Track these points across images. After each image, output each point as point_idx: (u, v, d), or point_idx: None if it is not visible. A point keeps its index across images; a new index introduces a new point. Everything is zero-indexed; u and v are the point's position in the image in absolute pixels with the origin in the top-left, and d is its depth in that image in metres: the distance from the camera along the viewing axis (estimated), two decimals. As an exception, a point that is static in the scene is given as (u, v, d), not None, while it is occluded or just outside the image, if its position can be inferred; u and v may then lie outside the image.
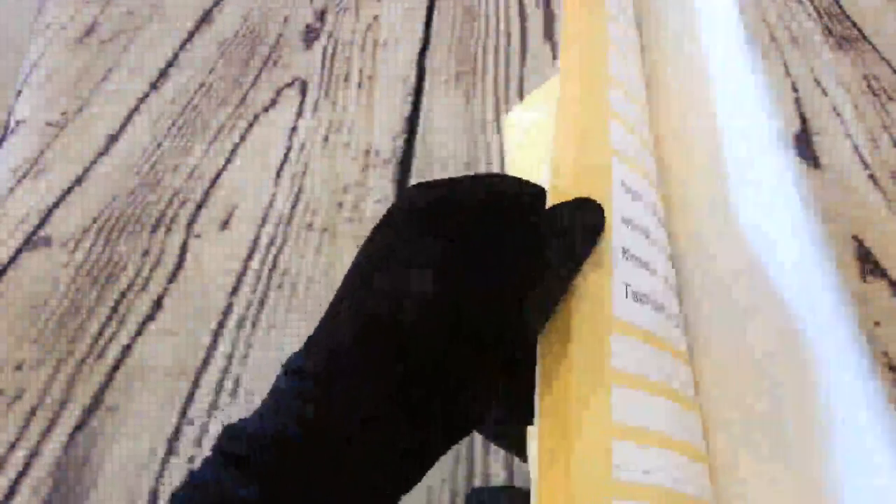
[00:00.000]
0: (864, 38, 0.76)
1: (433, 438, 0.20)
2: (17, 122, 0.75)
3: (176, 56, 0.82)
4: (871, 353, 0.25)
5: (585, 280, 0.22)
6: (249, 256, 0.62)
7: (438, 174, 0.67)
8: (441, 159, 0.68)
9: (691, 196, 0.30)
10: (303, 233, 0.63)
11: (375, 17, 0.85)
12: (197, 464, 0.19)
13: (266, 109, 0.75)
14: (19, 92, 0.79)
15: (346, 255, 0.61)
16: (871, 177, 0.62)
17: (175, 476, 0.49)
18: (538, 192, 0.24)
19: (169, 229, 0.64)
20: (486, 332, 0.21)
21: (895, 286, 0.55)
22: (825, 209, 0.59)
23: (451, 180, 0.24)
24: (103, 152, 0.72)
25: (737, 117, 0.31)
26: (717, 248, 0.28)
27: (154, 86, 0.78)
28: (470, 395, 0.20)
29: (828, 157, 0.63)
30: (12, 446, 0.51)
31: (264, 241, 0.63)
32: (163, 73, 0.80)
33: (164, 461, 0.49)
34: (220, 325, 0.57)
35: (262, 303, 0.58)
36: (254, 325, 0.57)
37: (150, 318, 0.58)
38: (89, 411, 0.52)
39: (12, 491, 0.48)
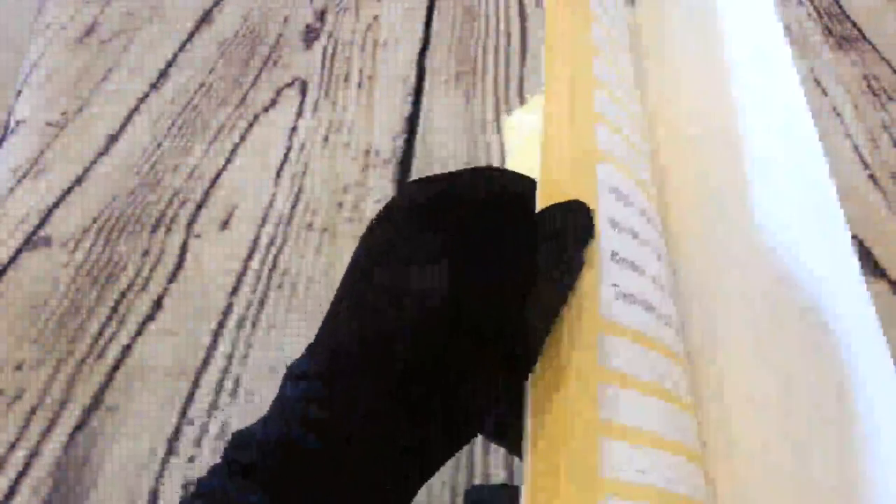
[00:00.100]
0: (864, 38, 0.76)
1: (433, 436, 0.20)
2: (17, 122, 0.75)
3: (176, 56, 0.82)
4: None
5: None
6: (249, 256, 0.62)
7: (438, 174, 0.67)
8: (441, 159, 0.68)
9: (704, 201, 0.30)
10: (303, 233, 0.63)
11: (375, 17, 0.85)
12: (197, 464, 0.19)
13: (266, 109, 0.75)
14: (19, 92, 0.79)
15: (346, 255, 0.61)
16: (871, 177, 0.62)
17: (175, 476, 0.49)
18: (534, 186, 0.24)
19: (169, 229, 0.64)
20: (487, 326, 0.21)
21: (895, 286, 0.55)
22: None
23: (450, 175, 0.24)
24: (103, 152, 0.72)
25: (763, 117, 0.30)
26: (738, 252, 0.27)
27: (154, 86, 0.78)
28: (470, 389, 0.20)
29: (828, 157, 0.63)
30: (12, 446, 0.51)
31: (264, 241, 0.63)
32: (163, 73, 0.80)
33: (164, 461, 0.49)
34: (220, 325, 0.57)
35: (262, 303, 0.58)
36: (254, 325, 0.57)
37: (150, 318, 0.58)
38: (89, 411, 0.52)
39: (12, 491, 0.48)
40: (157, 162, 0.70)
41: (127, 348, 0.56)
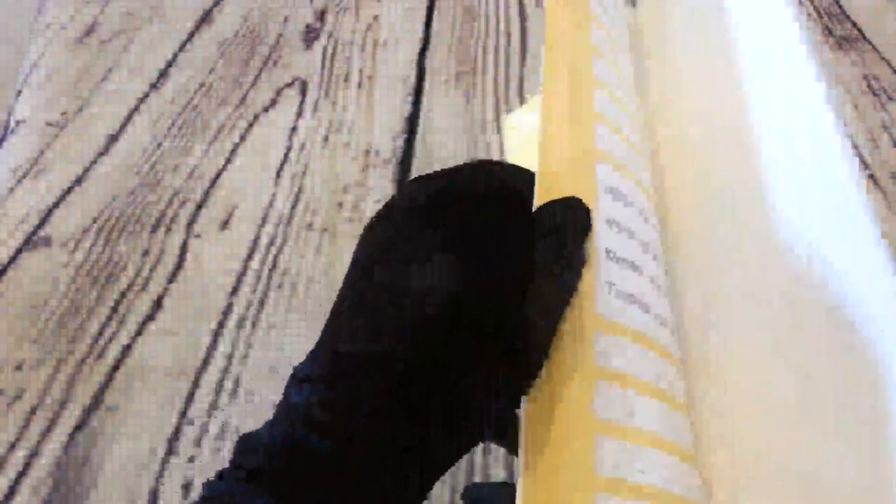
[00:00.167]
0: (864, 38, 0.76)
1: (434, 434, 0.20)
2: (17, 122, 0.75)
3: (176, 56, 0.82)
4: None
5: None
6: (249, 256, 0.62)
7: (438, 174, 0.67)
8: (441, 159, 0.68)
9: (709, 201, 0.29)
10: (303, 233, 0.63)
11: (375, 17, 0.85)
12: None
13: (266, 109, 0.75)
14: (19, 92, 0.79)
15: (346, 255, 0.61)
16: (871, 177, 0.62)
17: (175, 476, 0.49)
18: (530, 181, 0.24)
19: (169, 229, 0.64)
20: (486, 320, 0.21)
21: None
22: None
23: (449, 171, 0.24)
24: (103, 152, 0.72)
25: (778, 115, 0.30)
26: (753, 250, 0.27)
27: (154, 86, 0.78)
28: (470, 385, 0.20)
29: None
30: (12, 446, 0.51)
31: (264, 241, 0.63)
32: (163, 73, 0.80)
33: (164, 461, 0.49)
34: (220, 325, 0.57)
35: (262, 303, 0.58)
36: (254, 325, 0.57)
37: (150, 318, 0.58)
38: (89, 411, 0.52)
39: (12, 491, 0.48)
40: (157, 162, 0.70)
41: (127, 348, 0.56)
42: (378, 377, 0.20)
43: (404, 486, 0.20)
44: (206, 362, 0.55)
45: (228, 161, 0.70)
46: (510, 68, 0.76)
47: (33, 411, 0.53)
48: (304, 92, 0.76)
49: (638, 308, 0.24)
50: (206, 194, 0.67)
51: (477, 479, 0.47)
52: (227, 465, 0.20)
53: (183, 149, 0.71)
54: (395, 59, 0.79)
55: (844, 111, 0.68)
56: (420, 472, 0.20)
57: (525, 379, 0.21)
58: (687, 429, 0.24)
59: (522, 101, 0.72)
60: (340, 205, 0.65)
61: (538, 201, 0.24)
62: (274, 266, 0.61)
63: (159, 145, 0.72)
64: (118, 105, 0.76)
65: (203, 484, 0.19)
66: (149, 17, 0.87)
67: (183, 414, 0.52)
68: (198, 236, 0.64)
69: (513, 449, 0.25)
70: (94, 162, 0.71)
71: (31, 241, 0.64)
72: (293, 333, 0.56)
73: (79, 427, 0.52)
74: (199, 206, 0.66)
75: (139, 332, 0.57)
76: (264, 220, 0.64)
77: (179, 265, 0.61)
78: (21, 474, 0.49)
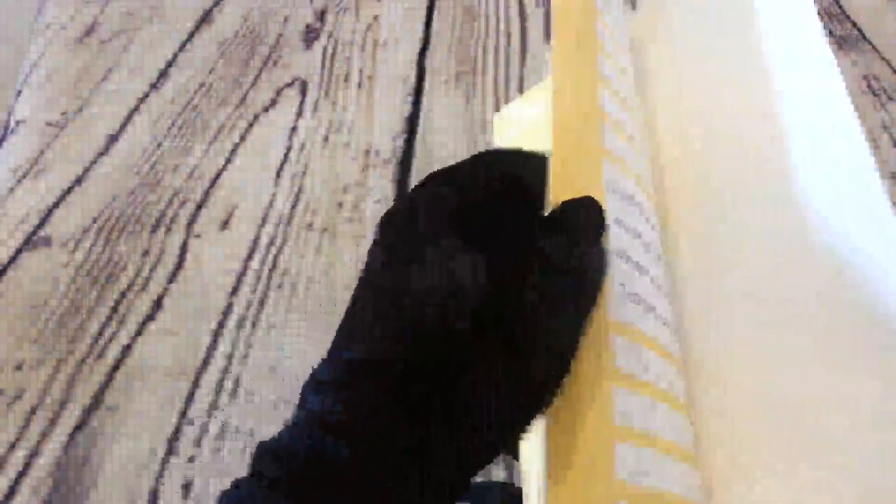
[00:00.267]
0: (864, 38, 0.76)
1: (434, 435, 0.20)
2: (17, 122, 0.75)
3: (176, 56, 0.82)
4: None
5: None
6: (249, 256, 0.62)
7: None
8: (441, 159, 0.68)
9: (717, 201, 0.29)
10: (303, 233, 0.63)
11: (375, 17, 0.85)
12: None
13: (266, 109, 0.75)
14: (19, 92, 0.79)
15: (345, 255, 0.61)
16: (871, 177, 0.62)
17: (175, 476, 0.49)
18: (540, 165, 0.24)
19: (169, 229, 0.64)
20: (486, 311, 0.21)
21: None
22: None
23: (449, 169, 0.24)
24: (103, 152, 0.72)
25: (784, 115, 0.30)
26: (755, 252, 0.27)
27: (154, 86, 0.78)
28: (470, 382, 0.20)
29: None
30: (12, 446, 0.51)
31: (264, 241, 0.63)
32: (163, 73, 0.80)
33: (164, 461, 0.49)
34: (220, 325, 0.57)
35: (262, 303, 0.58)
36: (254, 325, 0.57)
37: (150, 318, 0.58)
38: (89, 411, 0.52)
39: (12, 491, 0.48)
40: (157, 162, 0.70)
41: (127, 348, 0.56)
42: (380, 380, 0.20)
43: (405, 486, 0.20)
44: (206, 362, 0.55)
45: (228, 161, 0.70)
46: (510, 68, 0.76)
47: (33, 411, 0.53)
48: (304, 92, 0.76)
49: (643, 308, 0.24)
50: (206, 194, 0.67)
51: (477, 479, 0.47)
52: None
53: (183, 149, 0.71)
54: (395, 59, 0.79)
55: (844, 111, 0.68)
56: (421, 472, 0.20)
57: (534, 374, 0.20)
58: (687, 429, 0.24)
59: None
60: (340, 205, 0.65)
61: (552, 200, 0.24)
62: (274, 266, 0.61)
63: (159, 145, 0.72)
64: (118, 105, 0.76)
65: (222, 493, 0.19)
66: (149, 17, 0.87)
67: (183, 414, 0.52)
68: (198, 236, 0.64)
69: (511, 449, 0.25)
70: (94, 162, 0.71)
71: (31, 241, 0.64)
72: (293, 333, 0.56)
73: (79, 427, 0.52)
74: (199, 206, 0.66)
75: (139, 332, 0.57)
76: (264, 220, 0.64)
77: (179, 265, 0.61)
78: (21, 474, 0.49)
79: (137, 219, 0.65)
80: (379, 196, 0.65)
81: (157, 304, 0.59)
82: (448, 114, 0.72)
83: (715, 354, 0.26)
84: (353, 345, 0.22)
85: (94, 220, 0.65)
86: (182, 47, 0.83)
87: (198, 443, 0.50)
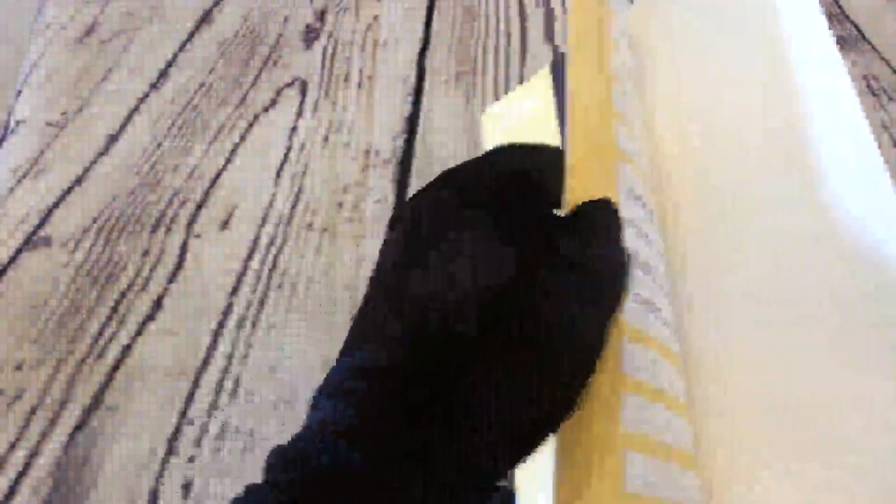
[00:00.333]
0: (864, 38, 0.76)
1: (435, 437, 0.20)
2: (17, 122, 0.75)
3: (176, 56, 0.82)
4: None
5: None
6: (249, 256, 0.62)
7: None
8: (441, 159, 0.68)
9: (716, 201, 0.29)
10: (303, 233, 0.63)
11: (375, 17, 0.85)
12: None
13: (266, 109, 0.75)
14: (19, 92, 0.79)
15: (346, 255, 0.61)
16: (872, 177, 0.62)
17: (175, 476, 0.49)
18: (553, 159, 0.24)
19: (169, 229, 0.64)
20: (489, 313, 0.21)
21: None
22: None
23: (454, 169, 0.24)
24: (103, 152, 0.72)
25: (785, 115, 0.30)
26: (756, 252, 0.27)
27: (154, 86, 0.78)
28: (470, 382, 0.20)
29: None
30: (12, 446, 0.51)
31: (264, 241, 0.63)
32: (163, 73, 0.80)
33: (164, 461, 0.49)
34: (220, 325, 0.57)
35: (262, 303, 0.58)
36: (254, 325, 0.57)
37: (150, 318, 0.58)
38: (89, 411, 0.52)
39: (12, 491, 0.48)
40: (157, 162, 0.70)
41: (127, 348, 0.56)
42: (387, 385, 0.20)
43: (405, 487, 0.20)
44: (206, 362, 0.55)
45: (228, 161, 0.70)
46: (510, 68, 0.76)
47: (33, 411, 0.53)
48: (304, 92, 0.76)
49: (648, 309, 0.24)
50: (206, 194, 0.67)
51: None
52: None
53: (183, 149, 0.71)
54: (395, 59, 0.79)
55: (844, 111, 0.68)
56: (423, 474, 0.20)
57: (556, 371, 0.20)
58: (687, 431, 0.24)
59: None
60: (340, 205, 0.65)
61: (568, 201, 0.24)
62: (274, 266, 0.61)
63: (159, 145, 0.72)
64: (118, 105, 0.76)
65: (234, 499, 0.20)
66: (149, 17, 0.87)
67: (183, 414, 0.52)
68: (198, 236, 0.64)
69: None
70: (94, 162, 0.71)
71: (31, 241, 0.64)
72: (293, 333, 0.56)
73: (79, 427, 0.52)
74: (199, 206, 0.66)
75: (139, 332, 0.57)
76: (264, 220, 0.64)
77: (179, 265, 0.61)
78: (21, 474, 0.49)
79: (137, 219, 0.65)
80: (379, 196, 0.65)
81: (157, 304, 0.59)
82: (448, 114, 0.72)
83: (715, 354, 0.26)
84: (365, 345, 0.22)
85: (94, 220, 0.65)
86: (182, 47, 0.83)
87: (198, 443, 0.50)
